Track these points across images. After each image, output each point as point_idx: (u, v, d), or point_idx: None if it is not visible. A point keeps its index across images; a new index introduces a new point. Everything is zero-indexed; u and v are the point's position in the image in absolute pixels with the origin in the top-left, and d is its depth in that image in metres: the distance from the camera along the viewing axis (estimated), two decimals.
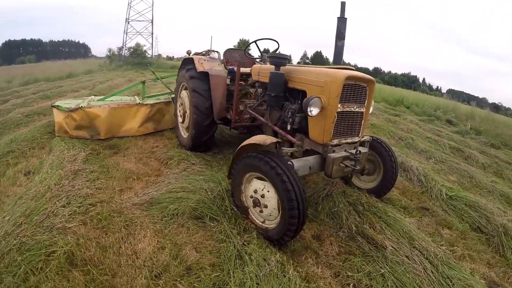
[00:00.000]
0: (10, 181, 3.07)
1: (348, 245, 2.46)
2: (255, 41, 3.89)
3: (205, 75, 3.70)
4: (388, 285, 1.98)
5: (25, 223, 2.12)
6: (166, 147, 4.38)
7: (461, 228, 3.00)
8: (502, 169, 5.23)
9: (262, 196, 2.28)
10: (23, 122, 5.46)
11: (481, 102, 24.53)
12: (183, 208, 2.42)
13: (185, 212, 2.40)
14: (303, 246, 2.40)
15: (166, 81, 6.51)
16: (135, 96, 5.66)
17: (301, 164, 2.40)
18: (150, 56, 32.11)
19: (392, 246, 2.37)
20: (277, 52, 3.86)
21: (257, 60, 4.43)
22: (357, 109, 2.61)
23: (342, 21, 3.17)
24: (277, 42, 3.98)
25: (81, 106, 4.30)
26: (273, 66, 2.79)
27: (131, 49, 29.26)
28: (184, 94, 4.15)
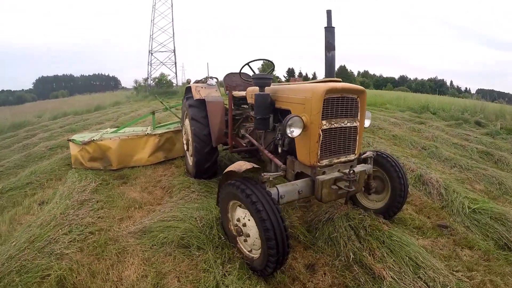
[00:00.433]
0: (25, 210, 3.49)
1: (343, 275, 2.39)
2: (247, 63, 3.90)
3: (202, 103, 3.95)
4: None
5: (28, 248, 2.45)
6: (173, 175, 4.68)
7: (484, 247, 2.78)
8: None
9: (244, 225, 2.32)
10: (46, 155, 6.11)
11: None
12: (171, 237, 2.62)
13: (174, 240, 2.59)
14: (291, 277, 2.38)
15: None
16: (148, 127, 6.15)
17: (287, 189, 2.36)
18: (175, 85, 34.21)
19: (392, 277, 2.26)
20: (270, 72, 3.96)
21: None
22: (348, 124, 2.51)
23: (329, 31, 3.12)
24: (271, 62, 4.08)
25: (94, 139, 4.80)
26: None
27: (156, 79, 31.42)
28: (187, 122, 4.45)
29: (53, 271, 2.22)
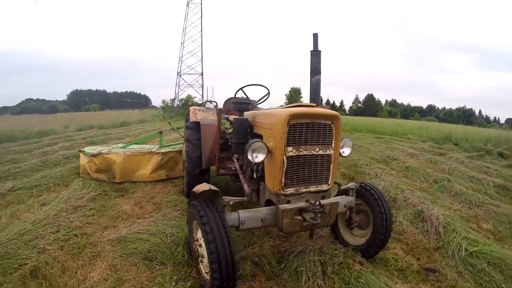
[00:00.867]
0: (27, 208, 4.02)
1: None
2: (241, 88, 4.04)
3: (197, 125, 4.24)
4: None
5: (16, 239, 2.89)
6: (168, 193, 5.06)
7: None
8: None
9: (200, 245, 2.38)
10: (61, 162, 6.81)
11: None
12: (140, 249, 2.93)
13: (141, 252, 2.89)
14: None
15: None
16: (156, 145, 6.69)
17: (249, 215, 2.39)
18: None
19: None
20: (263, 99, 4.19)
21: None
22: (320, 152, 2.48)
23: (315, 55, 3.16)
24: (266, 88, 4.26)
25: (101, 152, 5.36)
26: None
27: (183, 101, 33.25)
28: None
29: (31, 262, 2.62)
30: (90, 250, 3.02)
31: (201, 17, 40.04)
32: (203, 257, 2.37)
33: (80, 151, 5.65)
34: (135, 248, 2.95)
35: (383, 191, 5.10)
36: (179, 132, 7.15)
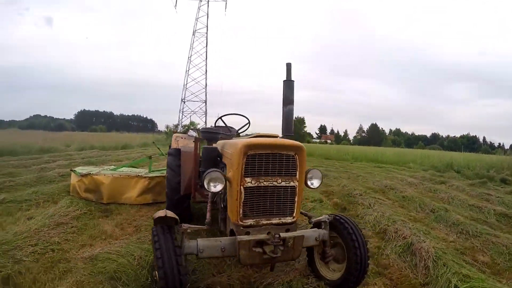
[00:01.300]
0: (13, 220, 4.38)
1: None
2: (220, 117, 4.25)
3: (178, 152, 4.49)
4: None
5: None
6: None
7: None
8: None
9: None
10: (56, 180, 7.23)
11: None
12: (108, 268, 3.14)
13: (109, 272, 3.10)
14: None
15: None
16: (144, 169, 7.04)
17: (208, 244, 2.45)
18: None
19: None
20: (244, 129, 4.43)
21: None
22: (283, 184, 2.53)
23: (288, 85, 3.25)
24: (246, 118, 4.51)
25: (90, 173, 5.74)
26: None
27: (186, 127, 34.34)
28: None
29: (5, 270, 2.91)
30: (63, 265, 3.28)
31: (206, 46, 42.50)
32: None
33: (72, 170, 6.05)
34: (103, 268, 3.18)
35: (373, 222, 5.23)
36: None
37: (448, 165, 13.13)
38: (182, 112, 40.80)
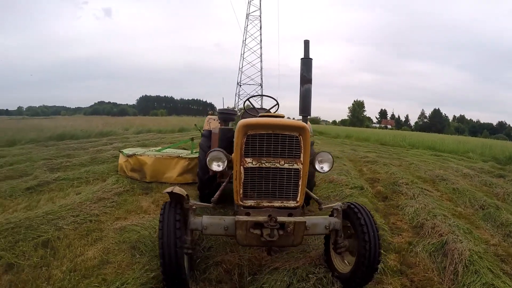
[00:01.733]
0: (63, 195, 5.05)
1: None
2: (248, 99, 4.40)
3: (210, 133, 4.75)
4: None
5: (42, 216, 3.81)
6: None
7: None
8: None
9: None
10: (108, 160, 8.10)
11: None
12: (131, 238, 3.54)
13: (131, 241, 3.50)
14: None
15: None
16: (188, 151, 7.49)
17: (212, 222, 2.53)
18: None
19: None
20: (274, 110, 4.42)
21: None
22: (286, 166, 2.53)
23: (305, 63, 3.22)
24: (275, 99, 4.59)
25: (135, 154, 6.30)
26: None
27: (242, 110, 35.17)
28: None
29: (47, 235, 3.44)
30: (96, 234, 3.77)
31: (260, 29, 42.21)
32: None
33: (120, 151, 6.71)
34: (128, 238, 3.60)
35: (412, 214, 4.97)
36: None
37: (510, 157, 11.85)
38: (238, 95, 41.87)
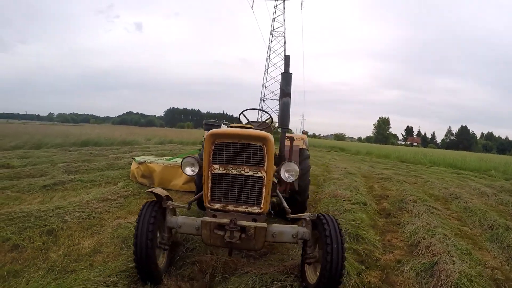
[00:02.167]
0: (75, 193, 5.68)
1: None
2: (242, 112, 4.72)
3: None
4: None
5: (52, 210, 4.41)
6: (187, 201, 6.15)
7: None
8: None
9: None
10: (124, 167, 8.79)
11: None
12: (124, 234, 3.98)
13: (123, 236, 3.94)
14: None
15: None
16: None
17: (185, 222, 2.90)
18: None
19: None
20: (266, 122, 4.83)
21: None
22: (251, 173, 2.76)
23: (285, 77, 3.50)
24: (268, 113, 5.00)
25: (146, 161, 6.91)
26: None
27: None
28: None
29: (52, 225, 4.01)
30: (96, 228, 4.30)
31: (284, 45, 43.24)
32: None
33: (132, 158, 7.37)
34: (121, 233, 4.07)
35: (411, 232, 4.91)
36: None
37: None
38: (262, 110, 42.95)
